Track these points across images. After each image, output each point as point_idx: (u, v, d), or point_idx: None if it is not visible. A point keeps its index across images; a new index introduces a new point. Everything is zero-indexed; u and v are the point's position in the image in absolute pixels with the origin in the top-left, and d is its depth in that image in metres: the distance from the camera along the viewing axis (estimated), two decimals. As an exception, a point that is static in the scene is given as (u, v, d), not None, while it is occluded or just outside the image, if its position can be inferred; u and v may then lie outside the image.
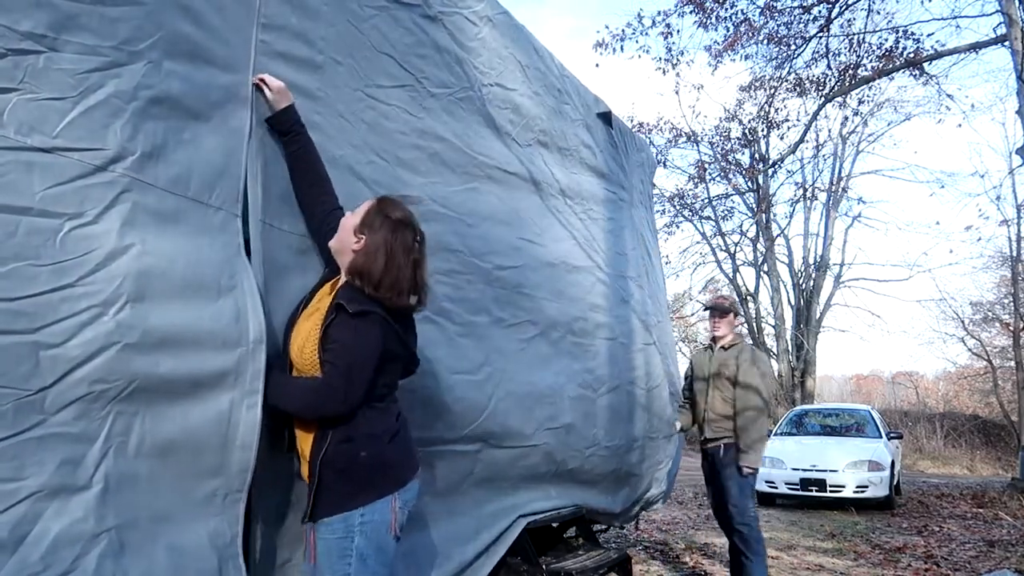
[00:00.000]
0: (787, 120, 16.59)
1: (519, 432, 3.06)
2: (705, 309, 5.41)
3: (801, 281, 22.78)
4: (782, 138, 17.24)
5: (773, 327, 22.65)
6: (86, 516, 1.55)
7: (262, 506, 1.99)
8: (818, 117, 14.21)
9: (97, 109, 1.65)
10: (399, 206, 2.03)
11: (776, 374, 19.70)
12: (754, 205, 22.00)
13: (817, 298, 22.57)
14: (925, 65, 11.80)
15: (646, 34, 12.34)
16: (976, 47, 10.94)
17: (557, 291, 3.39)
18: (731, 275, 23.41)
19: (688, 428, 4.83)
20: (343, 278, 2.00)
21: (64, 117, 1.60)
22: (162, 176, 1.77)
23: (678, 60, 12.78)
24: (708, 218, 22.07)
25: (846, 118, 19.30)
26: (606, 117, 4.17)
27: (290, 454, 2.01)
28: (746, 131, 19.70)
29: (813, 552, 6.45)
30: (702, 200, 21.19)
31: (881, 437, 10.81)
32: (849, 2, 11.29)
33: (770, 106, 15.13)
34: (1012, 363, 20.30)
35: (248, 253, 1.97)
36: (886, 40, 11.55)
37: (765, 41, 12.42)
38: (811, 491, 9.66)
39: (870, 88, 14.81)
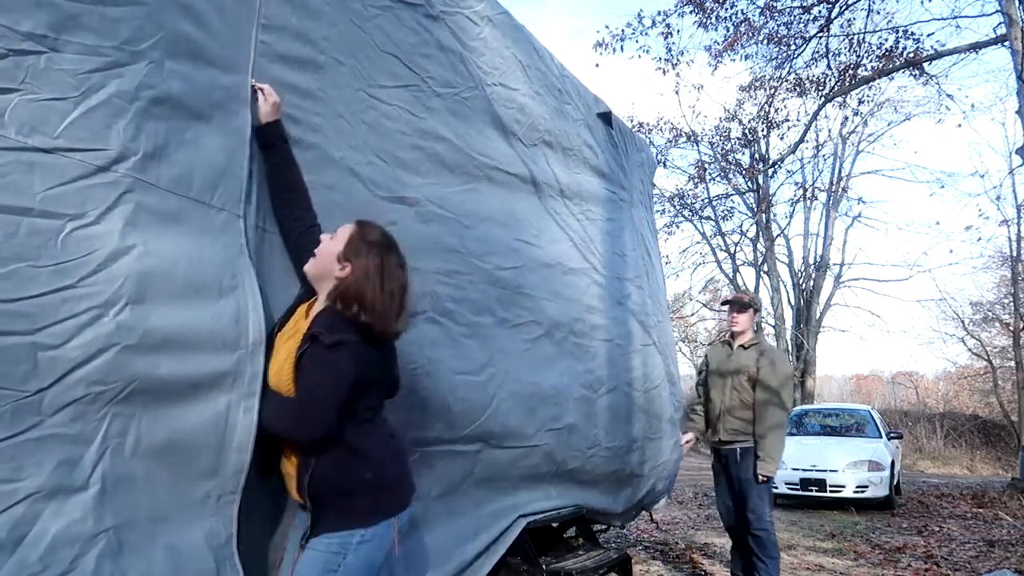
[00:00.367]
0: (787, 120, 16.62)
1: (520, 432, 3.06)
2: (723, 304, 5.19)
3: (801, 281, 22.78)
4: (782, 138, 17.29)
5: (773, 327, 22.63)
6: (84, 517, 1.55)
7: (255, 506, 1.98)
8: (818, 117, 14.22)
9: (99, 109, 1.65)
10: (379, 230, 2.01)
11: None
12: (754, 205, 21.99)
13: (817, 298, 22.56)
14: (925, 65, 11.79)
15: (646, 34, 12.35)
16: (976, 47, 10.93)
17: (554, 292, 3.39)
18: (731, 275, 23.42)
19: (701, 437, 4.65)
20: (322, 303, 1.96)
21: (65, 117, 1.60)
22: (164, 176, 1.77)
23: (678, 60, 12.79)
24: (708, 218, 22.08)
25: (846, 118, 19.31)
26: (606, 117, 4.16)
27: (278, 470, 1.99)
28: (746, 131, 19.69)
29: (813, 552, 6.45)
30: (702, 200, 21.19)
31: (881, 437, 10.82)
32: (849, 2, 11.29)
33: (770, 106, 15.13)
34: (1012, 363, 20.31)
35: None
36: (886, 40, 11.55)
37: (765, 41, 12.42)
38: (811, 491, 9.67)
39: (870, 88, 14.80)
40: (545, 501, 3.36)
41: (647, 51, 14.54)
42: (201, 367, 1.77)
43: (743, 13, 11.99)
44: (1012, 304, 19.84)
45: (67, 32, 1.61)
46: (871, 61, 11.68)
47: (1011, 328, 19.72)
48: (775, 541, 4.29)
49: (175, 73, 1.82)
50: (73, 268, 1.57)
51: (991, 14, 10.85)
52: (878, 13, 11.85)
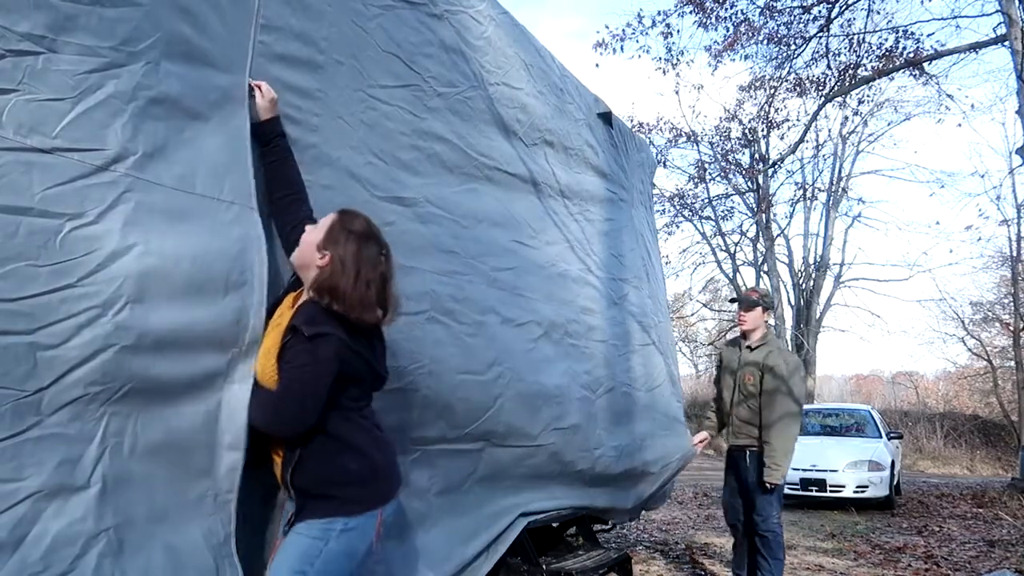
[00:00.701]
0: (787, 120, 16.63)
1: (523, 432, 3.06)
2: (731, 301, 5.03)
3: (801, 281, 22.79)
4: (782, 138, 17.29)
5: (773, 327, 22.65)
6: (85, 516, 1.55)
7: (251, 505, 1.98)
8: (818, 117, 14.20)
9: (97, 109, 1.65)
10: (362, 219, 1.98)
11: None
12: (754, 205, 22.00)
13: (817, 298, 22.57)
14: (925, 65, 11.78)
15: (646, 34, 12.31)
16: (976, 47, 10.92)
17: (549, 293, 3.38)
18: (731, 275, 23.43)
19: (716, 437, 4.57)
20: (307, 293, 1.95)
21: (64, 118, 1.60)
22: (166, 175, 1.77)
23: (678, 60, 12.78)
24: (708, 218, 22.09)
25: (846, 118, 19.33)
26: (606, 117, 4.17)
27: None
28: (746, 131, 19.70)
29: (813, 552, 6.44)
30: (702, 200, 21.21)
31: (881, 437, 10.81)
32: (849, 2, 11.28)
33: (770, 106, 15.11)
34: (1012, 363, 20.28)
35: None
36: (886, 40, 11.55)
37: (765, 41, 12.40)
38: (811, 491, 9.67)
39: (870, 88, 14.79)
40: (548, 501, 3.35)
41: (647, 51, 14.44)
42: (198, 366, 1.78)
43: (743, 13, 11.99)
44: (1012, 304, 19.82)
45: (65, 33, 1.61)
46: (871, 61, 11.68)
47: (1011, 328, 19.69)
48: (782, 543, 4.22)
49: (172, 73, 1.82)
50: (72, 268, 1.57)
51: (991, 14, 10.86)
52: (878, 13, 11.85)
